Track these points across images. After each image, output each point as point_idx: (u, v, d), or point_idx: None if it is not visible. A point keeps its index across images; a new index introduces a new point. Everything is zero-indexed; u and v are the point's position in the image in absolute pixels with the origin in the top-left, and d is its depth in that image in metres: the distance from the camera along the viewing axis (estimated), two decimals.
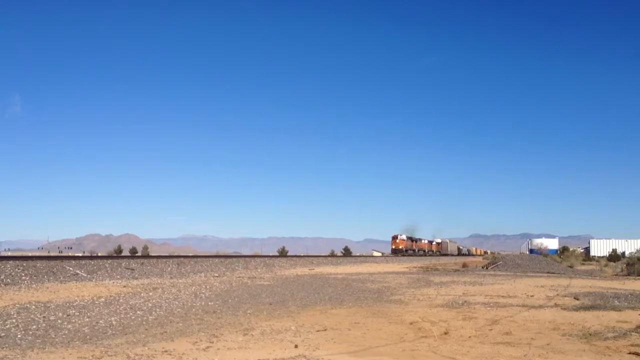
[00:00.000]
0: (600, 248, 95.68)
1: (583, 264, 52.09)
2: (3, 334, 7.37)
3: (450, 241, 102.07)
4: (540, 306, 11.40)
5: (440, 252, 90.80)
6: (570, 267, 40.36)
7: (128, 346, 6.80)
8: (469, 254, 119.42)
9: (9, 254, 55.51)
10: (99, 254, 55.27)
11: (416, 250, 79.62)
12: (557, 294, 14.07)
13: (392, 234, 76.80)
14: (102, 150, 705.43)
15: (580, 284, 18.10)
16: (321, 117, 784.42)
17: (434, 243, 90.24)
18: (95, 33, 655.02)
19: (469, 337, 7.75)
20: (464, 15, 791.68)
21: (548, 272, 28.22)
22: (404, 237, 75.71)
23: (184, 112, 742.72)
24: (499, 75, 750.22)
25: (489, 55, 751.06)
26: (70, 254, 49.72)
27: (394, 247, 74.47)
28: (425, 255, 77.45)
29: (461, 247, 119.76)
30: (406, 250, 74.71)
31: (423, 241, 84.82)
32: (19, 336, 7.28)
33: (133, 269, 19.90)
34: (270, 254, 53.94)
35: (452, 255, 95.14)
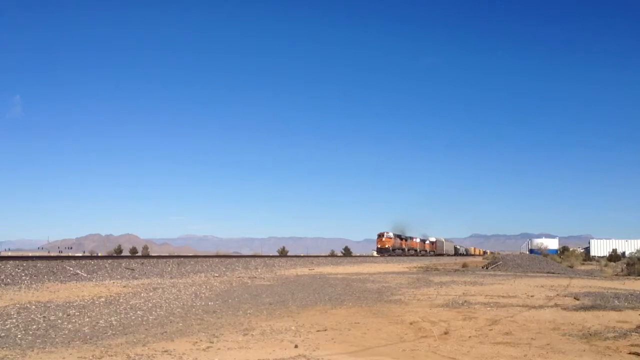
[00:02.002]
0: (600, 248, 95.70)
1: (583, 264, 52.12)
2: (3, 334, 7.37)
3: (446, 240, 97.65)
4: (540, 306, 11.40)
5: (434, 251, 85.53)
6: (570, 267, 40.38)
7: (128, 346, 6.80)
8: (467, 253, 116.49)
9: (9, 254, 55.50)
10: (99, 254, 55.28)
11: (406, 249, 73.68)
12: (557, 294, 14.07)
13: (378, 232, 70.25)
14: (102, 150, 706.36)
15: (580, 284, 18.10)
16: (321, 117, 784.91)
17: (427, 242, 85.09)
18: (95, 33, 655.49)
19: (469, 337, 7.75)
20: (465, 15, 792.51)
21: (548, 272, 28.22)
22: (391, 234, 69.24)
23: (184, 112, 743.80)
24: (499, 75, 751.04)
25: (489, 55, 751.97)
26: (70, 254, 49.72)
27: (379, 246, 68.47)
28: (417, 255, 72.73)
29: (458, 247, 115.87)
30: (394, 250, 68.46)
31: (414, 240, 79.41)
32: (19, 336, 7.28)
33: (133, 269, 19.89)
34: (270, 254, 54.00)
35: (449, 255, 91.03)
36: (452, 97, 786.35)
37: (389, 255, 64.48)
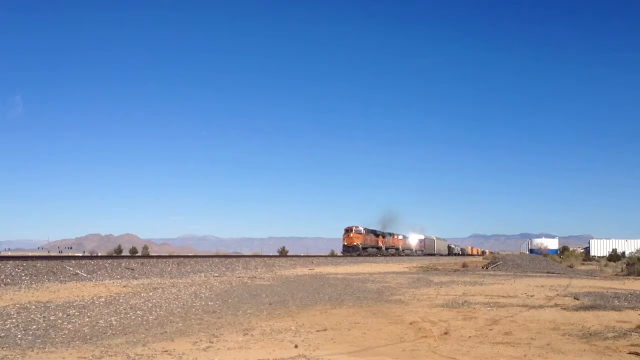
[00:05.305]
0: (600, 248, 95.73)
1: (583, 264, 52.07)
2: (3, 334, 7.36)
3: (437, 238, 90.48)
4: (540, 306, 11.40)
5: (423, 250, 76.35)
6: (570, 267, 40.35)
7: (128, 346, 6.80)
8: (463, 253, 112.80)
9: (9, 254, 55.48)
10: (99, 254, 55.25)
11: (383, 248, 62.09)
12: (557, 294, 14.06)
13: (345, 226, 56.44)
14: (102, 150, 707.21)
15: (580, 284, 18.09)
16: (322, 116, 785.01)
17: (412, 240, 75.63)
18: (95, 33, 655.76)
19: (469, 337, 7.75)
20: (467, 15, 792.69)
21: (548, 272, 28.21)
22: (361, 229, 55.79)
23: (184, 112, 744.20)
24: (500, 75, 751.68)
25: (490, 54, 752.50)
26: (70, 254, 49.68)
27: (345, 243, 55.52)
28: (400, 255, 63.99)
29: (453, 246, 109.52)
30: (365, 249, 55.88)
31: (396, 237, 68.33)
32: (19, 336, 7.27)
33: (133, 269, 19.88)
34: (270, 254, 53.91)
35: (441, 255, 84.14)
36: (453, 96, 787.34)
37: (358, 254, 52.86)
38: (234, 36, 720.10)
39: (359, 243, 55.09)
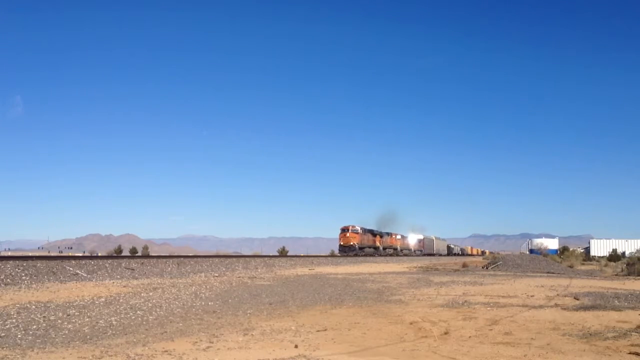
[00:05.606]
0: (600, 248, 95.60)
1: (583, 264, 52.02)
2: (3, 334, 7.36)
3: (437, 238, 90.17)
4: (541, 306, 11.40)
5: (422, 250, 75.91)
6: (570, 267, 40.32)
7: (128, 346, 6.80)
8: (463, 253, 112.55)
9: (9, 254, 55.48)
10: (99, 254, 55.23)
11: (381, 248, 61.15)
12: (557, 294, 14.06)
13: (342, 225, 55.60)
14: (102, 150, 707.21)
15: (580, 284, 18.09)
16: (322, 116, 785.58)
17: (411, 240, 75.05)
18: (95, 33, 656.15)
19: (469, 337, 7.75)
20: (466, 15, 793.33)
21: (548, 272, 28.20)
22: (357, 229, 54.91)
23: (184, 112, 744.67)
24: (500, 75, 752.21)
25: (490, 55, 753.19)
26: (70, 254, 49.66)
27: (342, 242, 54.73)
28: (398, 255, 63.89)
29: (452, 246, 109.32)
30: (362, 248, 55.20)
31: (394, 236, 67.74)
32: (19, 336, 7.27)
33: (133, 269, 19.88)
34: (270, 254, 53.89)
35: (440, 255, 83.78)
36: (453, 96, 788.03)
37: (355, 254, 52.16)
38: (234, 36, 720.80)
39: (355, 243, 54.42)
